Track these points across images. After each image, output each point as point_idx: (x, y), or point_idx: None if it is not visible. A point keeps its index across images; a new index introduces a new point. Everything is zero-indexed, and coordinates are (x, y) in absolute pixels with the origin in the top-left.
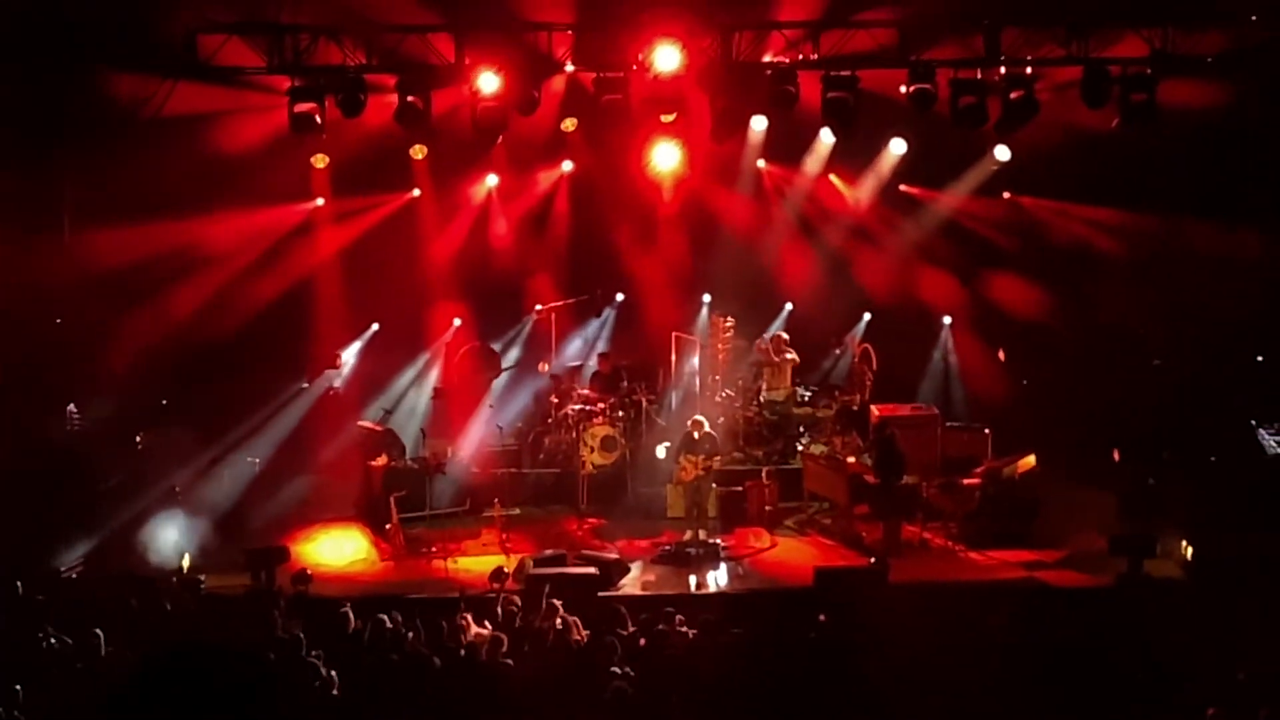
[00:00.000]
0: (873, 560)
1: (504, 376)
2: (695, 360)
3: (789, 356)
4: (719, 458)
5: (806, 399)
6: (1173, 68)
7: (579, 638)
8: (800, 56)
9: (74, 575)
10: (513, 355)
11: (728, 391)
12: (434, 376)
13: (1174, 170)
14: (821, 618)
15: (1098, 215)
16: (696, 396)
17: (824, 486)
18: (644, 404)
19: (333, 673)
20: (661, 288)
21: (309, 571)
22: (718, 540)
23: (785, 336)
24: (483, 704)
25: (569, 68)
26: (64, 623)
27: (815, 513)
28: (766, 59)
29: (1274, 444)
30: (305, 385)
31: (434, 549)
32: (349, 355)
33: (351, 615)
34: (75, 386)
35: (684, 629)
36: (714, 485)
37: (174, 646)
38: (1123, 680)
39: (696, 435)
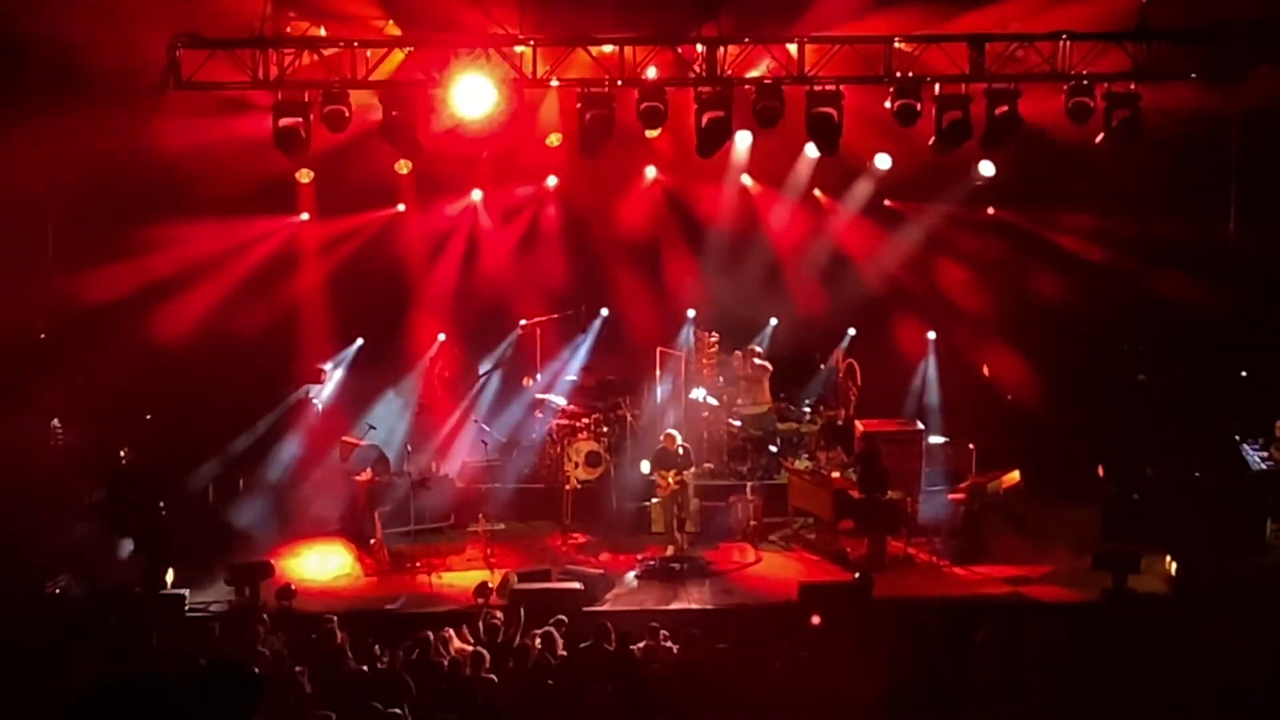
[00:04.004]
0: (857, 575)
1: (489, 391)
2: (681, 375)
3: (758, 363)
4: (692, 470)
5: (791, 413)
6: (1157, 78)
7: (563, 653)
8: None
9: (57, 591)
10: (487, 365)
11: (711, 400)
12: (418, 391)
13: (1158, 183)
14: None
15: (1081, 228)
16: (680, 411)
17: (808, 501)
18: (628, 419)
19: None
20: (646, 303)
21: (293, 586)
22: (702, 555)
23: (756, 349)
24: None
25: (554, 82)
26: (44, 640)
27: (800, 528)
28: (752, 73)
29: (1258, 459)
30: (290, 400)
31: (418, 564)
32: (333, 370)
33: (337, 630)
34: (59, 402)
35: (668, 644)
36: (695, 499)
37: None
38: (1107, 696)
39: (669, 449)
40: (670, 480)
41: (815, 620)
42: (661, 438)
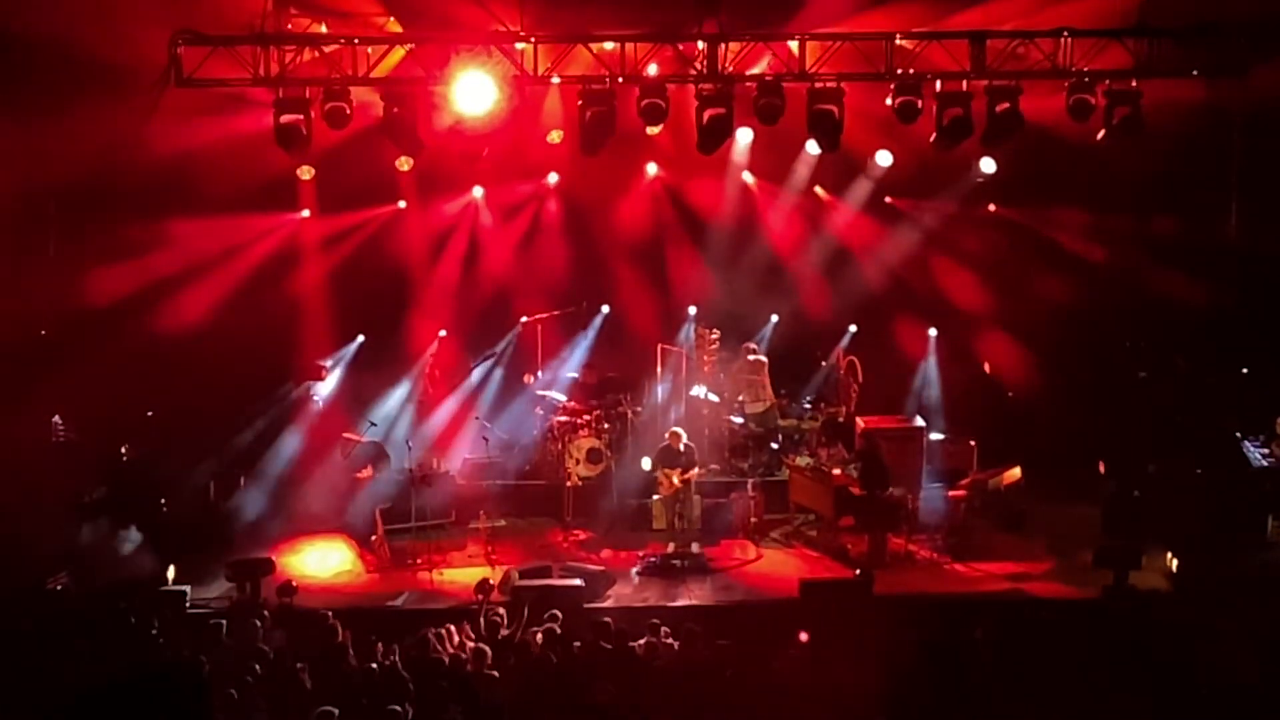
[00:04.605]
0: (858, 572)
1: (490, 388)
2: (682, 372)
3: (752, 359)
4: (696, 470)
5: (792, 409)
6: (1158, 75)
7: (563, 650)
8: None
9: (58, 588)
10: (481, 360)
11: (712, 397)
12: (419, 388)
13: (1159, 180)
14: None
15: (1082, 225)
16: (681, 409)
17: (810, 498)
18: (629, 416)
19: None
20: (647, 299)
21: (294, 583)
22: (703, 552)
23: (751, 345)
24: (467, 716)
25: (555, 79)
26: (45, 637)
27: (801, 525)
28: (753, 70)
29: (1259, 456)
30: (291, 396)
31: (419, 560)
32: (334, 366)
33: (338, 626)
34: (60, 399)
35: (669, 641)
36: (698, 496)
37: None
38: (1108, 693)
39: (675, 447)
40: (674, 479)
41: (803, 637)
42: (666, 435)
